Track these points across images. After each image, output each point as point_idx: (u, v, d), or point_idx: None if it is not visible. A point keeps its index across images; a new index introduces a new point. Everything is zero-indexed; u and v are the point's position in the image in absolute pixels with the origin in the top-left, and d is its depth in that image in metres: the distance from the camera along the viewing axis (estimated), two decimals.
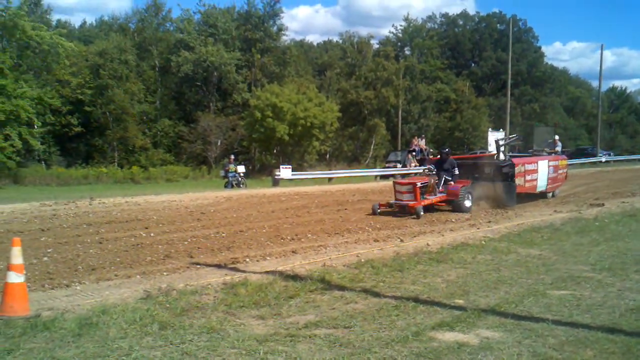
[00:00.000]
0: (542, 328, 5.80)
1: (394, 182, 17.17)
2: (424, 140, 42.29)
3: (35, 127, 41.71)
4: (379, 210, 15.83)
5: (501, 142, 21.21)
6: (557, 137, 25.87)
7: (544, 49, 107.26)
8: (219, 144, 51.12)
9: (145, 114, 54.11)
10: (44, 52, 40.63)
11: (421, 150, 37.72)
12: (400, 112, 62.36)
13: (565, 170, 21.52)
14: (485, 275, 8.31)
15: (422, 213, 15.18)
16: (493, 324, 5.96)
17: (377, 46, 71.59)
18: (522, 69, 74.23)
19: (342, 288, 7.39)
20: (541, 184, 19.07)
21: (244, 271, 8.51)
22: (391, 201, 16.45)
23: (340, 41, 72.39)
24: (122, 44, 52.98)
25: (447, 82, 70.95)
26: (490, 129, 48.70)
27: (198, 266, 9.08)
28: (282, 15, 61.10)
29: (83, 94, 49.27)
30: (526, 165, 18.15)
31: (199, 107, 55.53)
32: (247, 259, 9.59)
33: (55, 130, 47.92)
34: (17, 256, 6.13)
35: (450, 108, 67.97)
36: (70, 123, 48.92)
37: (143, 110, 53.36)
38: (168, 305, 6.46)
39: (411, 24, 74.41)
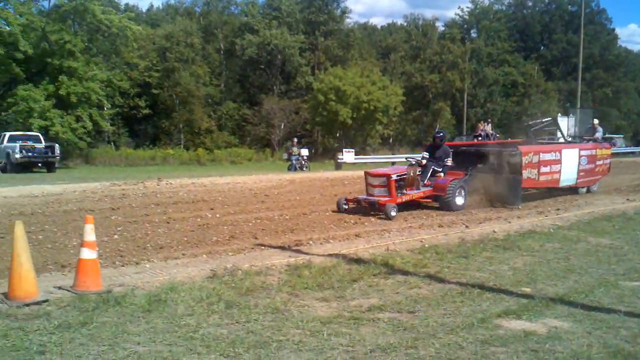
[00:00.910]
0: (613, 319, 5.61)
1: (365, 172, 13.82)
2: (490, 125, 41.39)
3: (105, 109, 43.00)
4: (345, 207, 12.97)
5: (533, 127, 18.93)
6: (596, 121, 20.82)
7: (617, 31, 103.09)
8: (282, 127, 51.51)
9: (211, 96, 54.95)
10: (113, 35, 41.63)
11: (487, 136, 36.97)
12: (465, 96, 61.39)
13: (607, 162, 18.04)
14: (553, 264, 8.10)
15: (394, 213, 12.00)
16: (562, 314, 5.81)
17: (442, 29, 70.76)
18: (594, 52, 71.84)
19: (405, 273, 7.33)
20: (567, 177, 15.95)
21: (307, 253, 8.54)
22: (360, 196, 13.40)
23: (405, 24, 71.84)
24: (188, 27, 53.90)
25: (514, 66, 69.36)
26: (559, 114, 47.36)
27: (262, 247, 9.17)
28: None
29: (150, 77, 50.40)
30: (542, 154, 14.98)
31: (263, 90, 56.01)
32: (311, 242, 9.62)
33: (123, 112, 49.28)
34: (90, 233, 6.30)
35: (518, 92, 66.47)
36: (138, 105, 50.17)
37: (208, 93, 54.20)
38: (233, 285, 6.54)
39: (478, 6, 72.94)
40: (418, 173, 13.30)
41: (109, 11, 40.45)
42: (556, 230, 10.86)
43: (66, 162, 37.78)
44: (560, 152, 15.71)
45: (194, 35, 53.62)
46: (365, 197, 13.02)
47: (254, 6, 60.00)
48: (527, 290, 6.69)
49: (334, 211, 13.28)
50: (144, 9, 72.80)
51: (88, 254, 6.22)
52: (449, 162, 14.02)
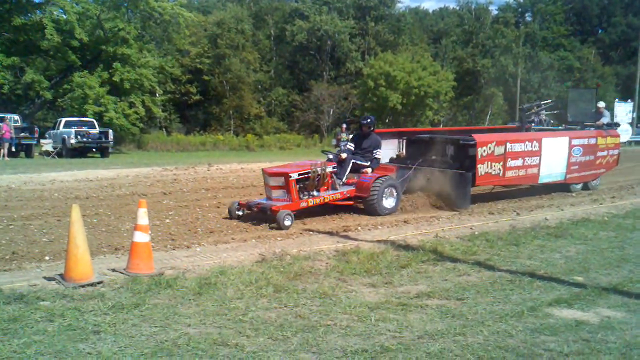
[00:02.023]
0: None
1: (262, 169, 10.81)
2: (544, 110, 40.48)
3: (157, 95, 43.72)
4: (238, 213, 10.21)
5: (530, 110, 16.82)
6: (601, 104, 16.40)
7: None
8: (331, 112, 51.50)
9: (260, 82, 55.26)
10: (166, 22, 42.15)
11: (540, 121, 36.19)
12: (519, 81, 60.12)
13: (613, 152, 15.22)
14: (607, 253, 7.92)
15: (288, 222, 9.31)
16: (615, 303, 5.68)
17: (495, 12, 69.21)
18: None
19: (454, 260, 7.28)
20: (550, 171, 13.39)
21: (355, 239, 8.56)
22: (253, 200, 10.68)
23: (457, 8, 70.55)
24: (239, 13, 54.18)
25: (570, 50, 67.59)
26: (617, 99, 45.92)
27: (310, 233, 9.23)
28: None
29: (202, 63, 50.92)
30: (509, 145, 12.28)
31: (313, 76, 56.02)
32: (359, 227, 9.64)
33: (175, 98, 49.99)
34: (142, 217, 6.45)
35: (574, 77, 64.72)
36: (189, 91, 50.80)
37: (258, 79, 54.51)
38: (282, 269, 6.60)
39: None
40: (332, 170, 10.59)
41: None
42: (611, 218, 10.62)
43: (119, 147, 38.62)
44: (539, 142, 13.01)
45: (244, 21, 53.89)
46: (258, 201, 10.39)
47: None
48: (579, 279, 6.56)
49: None
50: None
51: (141, 237, 6.37)
52: (379, 154, 11.48)
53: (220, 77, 51.48)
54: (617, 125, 16.48)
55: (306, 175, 10.07)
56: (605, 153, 14.96)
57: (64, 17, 36.80)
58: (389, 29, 58.41)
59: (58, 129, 31.40)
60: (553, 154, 13.37)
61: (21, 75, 36.78)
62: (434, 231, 9.19)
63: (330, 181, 10.55)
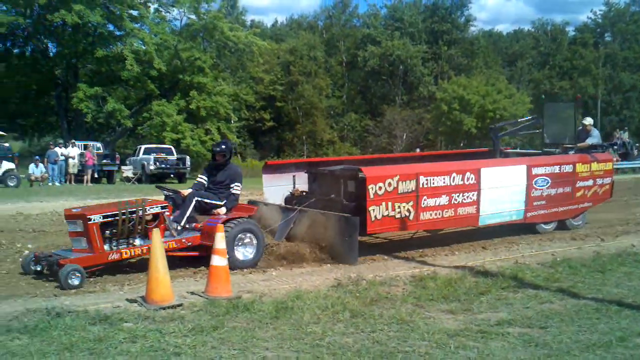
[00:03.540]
0: None
1: (65, 211, 8.23)
2: (626, 133, 39.13)
3: (232, 122, 44.73)
4: (35, 268, 7.71)
5: (502, 130, 14.10)
6: (589, 121, 13.13)
7: None
8: (404, 137, 51.28)
9: (333, 108, 55.76)
10: (240, 51, 43.30)
11: (624, 144, 34.90)
12: (599, 103, 58.30)
13: (603, 181, 11.95)
14: None
15: (75, 282, 6.98)
16: None
17: (573, 33, 67.63)
18: None
19: (536, 287, 7.04)
20: (497, 210, 10.43)
21: (432, 265, 8.43)
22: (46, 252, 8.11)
23: (533, 29, 69.31)
24: (311, 41, 55.00)
25: None
26: None
27: (386, 257, 9.15)
28: (470, 5, 59.92)
29: (275, 90, 51.81)
30: (423, 178, 9.46)
31: (385, 101, 56.08)
32: (435, 253, 9.50)
33: (249, 125, 50.98)
34: (220, 241, 6.57)
35: None
36: (263, 118, 51.72)
37: (331, 104, 55.04)
38: (358, 295, 6.56)
39: (613, 8, 69.06)
40: (160, 210, 8.11)
41: (236, 28, 42.07)
42: None
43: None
44: (475, 173, 10.06)
45: (316, 48, 54.65)
46: (53, 252, 7.95)
47: (376, 18, 60.33)
48: None
49: None
50: (269, 25, 75.11)
51: (219, 261, 6.49)
52: (237, 189, 8.97)
53: (293, 103, 52.23)
54: (612, 146, 14.01)
55: (114, 216, 7.64)
56: (589, 182, 11.72)
57: (143, 48, 38.24)
58: (462, 53, 57.97)
59: (138, 155, 32.48)
60: (501, 188, 10.41)
61: (103, 104, 38.32)
62: (514, 257, 8.94)
63: (163, 226, 8.01)
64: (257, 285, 7.13)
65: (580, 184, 11.57)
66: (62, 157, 27.25)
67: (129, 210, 7.73)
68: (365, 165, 9.97)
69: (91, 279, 7.42)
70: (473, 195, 10.03)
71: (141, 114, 40.96)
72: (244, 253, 8.35)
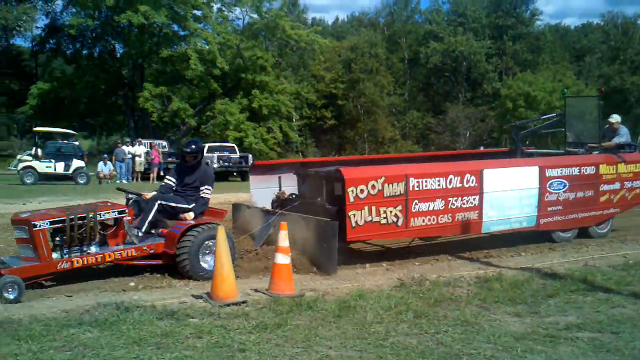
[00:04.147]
0: None
1: (13, 216, 7.74)
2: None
3: (294, 120, 45.04)
4: None
5: (524, 129, 13.11)
6: (616, 118, 11.71)
7: None
8: (467, 135, 50.53)
9: (395, 106, 55.41)
10: (301, 49, 43.60)
11: None
12: None
13: (633, 184, 10.82)
14: None
15: (11, 296, 6.34)
16: None
17: None
18: None
19: (607, 290, 6.81)
20: (504, 215, 9.45)
21: (497, 266, 8.27)
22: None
23: (602, 23, 67.07)
24: (373, 38, 54.76)
25: None
26: None
27: (449, 257, 9.03)
28: None
29: (336, 88, 51.84)
30: (414, 180, 8.62)
31: (448, 98, 55.39)
32: (501, 254, 9.31)
33: (310, 123, 51.19)
34: (283, 239, 6.63)
35: None
36: (324, 116, 51.83)
37: (392, 102, 54.70)
38: (421, 295, 6.50)
39: None
40: (118, 215, 7.55)
41: (297, 26, 42.37)
42: None
43: None
44: (476, 175, 9.12)
45: (378, 45, 54.38)
46: (4, 259, 7.27)
47: (439, 13, 59.61)
48: None
49: None
50: (330, 22, 75.25)
51: (282, 259, 6.54)
52: (207, 192, 8.21)
53: (354, 101, 52.13)
54: None
55: (61, 222, 7.05)
56: (616, 186, 10.56)
57: (207, 47, 38.92)
58: (528, 48, 56.70)
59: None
60: (508, 192, 9.45)
61: (168, 103, 39.21)
62: (583, 259, 8.68)
63: (122, 232, 7.53)
64: (319, 284, 7.16)
65: (604, 187, 10.43)
66: (129, 156, 27.99)
67: (78, 216, 7.12)
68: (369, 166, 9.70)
69: (157, 275, 7.57)
70: (474, 199, 9.08)
71: (205, 113, 41.77)
72: (210, 262, 7.40)
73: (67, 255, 7.06)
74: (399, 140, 53.59)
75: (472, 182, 9.04)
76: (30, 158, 24.96)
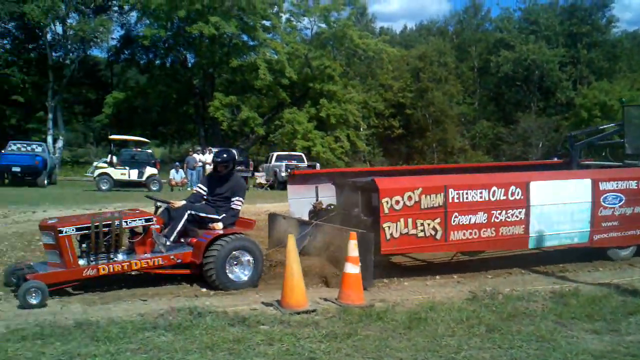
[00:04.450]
0: None
1: (41, 222, 7.69)
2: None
3: (361, 129, 45.00)
4: (15, 280, 7.08)
5: (580, 139, 12.28)
6: None
7: None
8: (540, 145, 49.25)
9: (464, 115, 54.64)
10: (369, 58, 43.61)
11: None
12: None
13: None
14: None
15: (33, 301, 6.38)
16: None
17: None
18: None
19: None
20: (553, 230, 8.94)
21: (574, 281, 8.03)
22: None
23: None
24: (442, 46, 54.21)
25: None
26: None
27: (523, 271, 8.82)
28: (612, 5, 56.47)
29: (404, 97, 51.50)
30: (453, 192, 8.29)
31: (519, 108, 54.16)
32: (577, 269, 9.03)
33: (378, 132, 50.99)
34: (353, 249, 6.62)
35: None
36: (392, 125, 51.54)
37: (462, 111, 53.95)
38: (494, 309, 6.36)
39: None
40: (145, 224, 7.51)
41: (365, 35, 42.39)
42: None
43: None
44: (522, 187, 8.69)
45: (447, 54, 53.80)
46: (32, 264, 7.38)
47: (510, 21, 58.42)
48: None
49: None
50: (398, 31, 74.93)
51: (351, 268, 6.54)
52: (238, 203, 8.13)
53: (422, 110, 51.66)
54: None
55: (97, 230, 7.10)
56: None
57: (276, 57, 39.42)
58: (604, 56, 54.88)
59: (270, 162, 33.36)
60: (558, 205, 8.94)
61: (238, 112, 39.85)
62: None
63: (149, 240, 7.49)
64: (389, 295, 7.13)
65: None
66: (200, 163, 28.54)
67: (103, 223, 7.14)
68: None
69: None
70: (520, 213, 8.64)
71: (273, 122, 42.25)
72: (237, 273, 7.51)
73: (93, 262, 7.07)
74: (469, 150, 52.74)
75: (518, 195, 8.64)
76: (106, 165, 25.69)
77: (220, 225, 7.80)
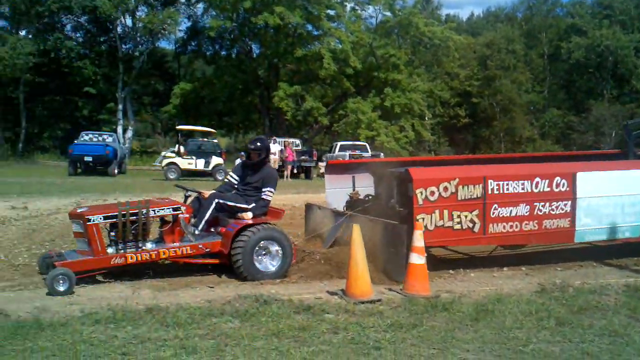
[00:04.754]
0: None
1: (71, 210, 8.04)
2: None
3: (426, 118, 44.51)
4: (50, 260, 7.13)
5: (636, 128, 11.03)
6: None
7: None
8: (613, 135, 47.61)
9: (533, 103, 53.37)
10: (435, 46, 43.00)
11: None
12: None
13: None
14: None
15: (61, 288, 6.41)
16: None
17: None
18: None
19: None
20: (601, 224, 8.39)
21: None
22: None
23: None
24: (510, 33, 53.03)
25: None
26: None
27: (595, 264, 8.54)
28: None
29: (471, 86, 50.71)
30: (491, 183, 7.88)
31: (591, 96, 52.51)
32: None
33: (443, 121, 50.40)
34: (419, 239, 6.55)
35: None
36: (458, 114, 50.90)
37: (530, 99, 52.69)
38: (564, 302, 6.19)
39: None
40: (173, 212, 7.49)
41: (431, 23, 41.85)
42: None
43: None
44: (568, 179, 8.21)
45: (515, 41, 52.59)
46: (62, 252, 7.53)
47: (582, 6, 56.65)
48: None
49: None
50: (465, 18, 73.69)
51: (417, 259, 6.48)
52: (269, 194, 7.93)
53: (489, 99, 50.75)
54: None
55: (125, 219, 7.14)
56: None
57: (340, 46, 39.35)
58: None
59: (334, 152, 33.42)
60: (607, 198, 8.43)
61: (302, 102, 40.04)
62: None
63: (178, 229, 7.51)
64: (455, 286, 7.03)
65: None
66: None
67: (130, 212, 7.15)
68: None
69: (293, 271, 7.60)
70: (565, 205, 8.17)
71: (337, 112, 42.23)
72: (265, 264, 7.40)
73: (122, 251, 7.09)
74: (537, 139, 51.48)
75: (563, 186, 8.19)
76: (173, 155, 26.22)
77: (249, 215, 7.67)
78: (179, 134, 29.44)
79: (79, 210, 7.30)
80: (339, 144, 34.12)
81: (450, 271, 7.91)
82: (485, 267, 8.19)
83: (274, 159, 29.09)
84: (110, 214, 7.10)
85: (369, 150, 33.38)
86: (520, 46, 53.11)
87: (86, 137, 27.99)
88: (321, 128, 43.72)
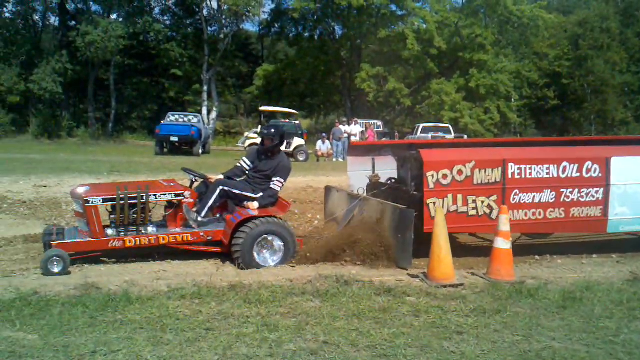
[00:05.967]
0: None
1: (72, 189, 7.82)
2: None
3: (513, 100, 43.25)
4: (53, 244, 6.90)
5: None
6: None
7: None
8: None
9: (628, 85, 50.85)
10: (524, 26, 41.57)
11: None
12: None
13: None
14: None
15: (55, 269, 6.40)
16: None
17: None
18: None
19: None
20: (634, 212, 7.77)
21: None
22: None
23: None
24: (605, 11, 50.61)
25: None
26: None
27: None
28: None
29: (560, 66, 48.84)
30: (512, 166, 7.45)
31: None
32: None
33: (531, 103, 48.81)
34: (504, 224, 6.41)
35: None
36: (546, 96, 49.14)
37: (625, 81, 50.24)
38: None
39: None
40: (187, 200, 7.31)
41: (520, 2, 40.44)
42: None
43: None
44: (600, 163, 7.65)
45: (611, 19, 50.10)
46: (67, 229, 7.56)
47: None
48: None
49: None
50: None
51: (502, 243, 6.35)
52: (278, 184, 7.59)
53: (580, 80, 48.70)
54: None
55: (123, 200, 6.99)
56: None
57: (424, 27, 38.72)
58: None
59: (416, 134, 33.02)
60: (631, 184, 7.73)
61: (384, 83, 39.73)
62: None
63: (180, 214, 7.34)
64: (541, 272, 6.86)
65: None
66: (346, 135, 28.81)
67: (129, 195, 6.98)
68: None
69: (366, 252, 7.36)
70: (597, 192, 7.62)
71: (420, 93, 41.68)
72: (266, 258, 7.13)
73: (122, 234, 7.02)
74: (632, 122, 49.12)
75: (595, 172, 7.63)
76: (255, 136, 26.59)
77: (255, 205, 7.38)
78: (262, 115, 29.83)
79: (79, 190, 7.18)
80: (422, 125, 33.66)
81: (536, 257, 7.72)
82: (573, 253, 7.92)
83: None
84: (109, 197, 7.00)
85: (452, 132, 32.83)
86: (616, 24, 50.57)
87: (172, 118, 28.85)
88: (403, 109, 43.28)
